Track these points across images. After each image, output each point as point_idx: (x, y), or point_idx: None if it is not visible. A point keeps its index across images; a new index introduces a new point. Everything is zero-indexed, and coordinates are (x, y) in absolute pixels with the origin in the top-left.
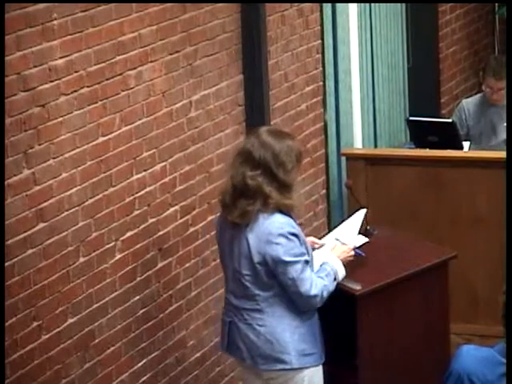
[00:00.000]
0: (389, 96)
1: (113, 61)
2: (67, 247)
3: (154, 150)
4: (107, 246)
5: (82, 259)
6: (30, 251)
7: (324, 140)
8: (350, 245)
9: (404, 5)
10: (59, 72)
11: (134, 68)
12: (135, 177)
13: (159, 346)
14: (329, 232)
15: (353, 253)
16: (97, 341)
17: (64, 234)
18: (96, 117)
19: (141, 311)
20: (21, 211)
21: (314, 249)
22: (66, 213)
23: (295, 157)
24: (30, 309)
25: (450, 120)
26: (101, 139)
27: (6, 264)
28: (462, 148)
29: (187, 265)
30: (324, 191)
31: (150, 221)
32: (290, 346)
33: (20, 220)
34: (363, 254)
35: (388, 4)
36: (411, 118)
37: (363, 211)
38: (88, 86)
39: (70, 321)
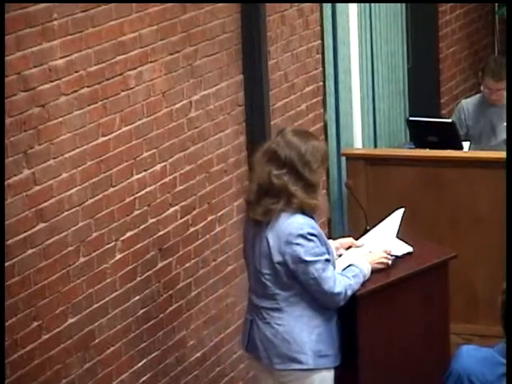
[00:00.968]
0: (389, 96)
1: (113, 61)
2: (67, 247)
3: (154, 150)
4: (107, 246)
5: (82, 259)
6: (30, 251)
7: (324, 140)
8: (391, 252)
9: (404, 5)
10: (59, 72)
11: (134, 68)
12: (135, 177)
13: (159, 346)
14: (364, 234)
15: (387, 260)
16: (97, 341)
17: (64, 234)
18: (96, 117)
19: (141, 311)
20: (21, 211)
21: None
22: (66, 213)
23: (320, 157)
24: (30, 309)
25: (449, 120)
26: (101, 139)
27: (6, 264)
28: (461, 148)
29: (187, 265)
30: (324, 191)
31: (150, 221)
32: (307, 346)
33: (20, 220)
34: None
35: (388, 4)
36: (411, 118)
37: (401, 211)
38: (88, 86)
39: (70, 321)
